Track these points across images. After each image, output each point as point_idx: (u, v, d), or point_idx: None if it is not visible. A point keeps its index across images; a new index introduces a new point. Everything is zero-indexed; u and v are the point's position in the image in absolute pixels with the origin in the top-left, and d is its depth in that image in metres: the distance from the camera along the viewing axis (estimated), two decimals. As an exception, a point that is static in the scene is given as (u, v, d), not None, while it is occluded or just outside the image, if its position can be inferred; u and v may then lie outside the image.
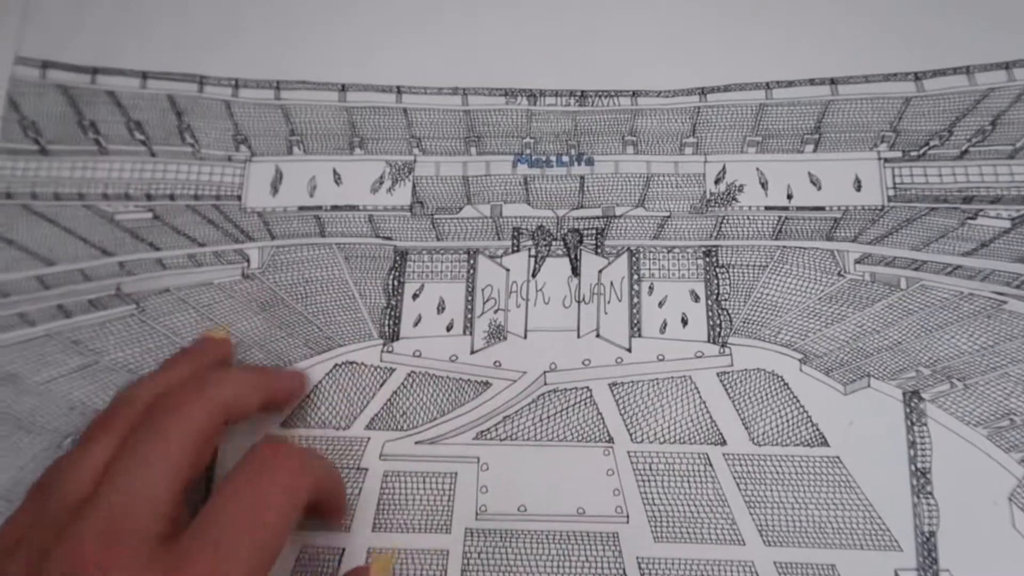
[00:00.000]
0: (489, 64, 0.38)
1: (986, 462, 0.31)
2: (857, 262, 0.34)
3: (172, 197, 0.37)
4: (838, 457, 0.32)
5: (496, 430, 0.33)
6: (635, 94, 0.37)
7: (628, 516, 0.31)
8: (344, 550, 0.32)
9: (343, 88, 0.38)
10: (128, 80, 0.38)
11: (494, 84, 0.37)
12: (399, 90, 0.38)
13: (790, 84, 0.36)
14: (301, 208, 0.37)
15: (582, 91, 0.37)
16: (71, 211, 0.37)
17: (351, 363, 0.34)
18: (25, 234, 0.37)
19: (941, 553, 0.30)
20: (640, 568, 0.31)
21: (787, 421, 0.33)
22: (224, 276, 0.36)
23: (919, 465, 0.31)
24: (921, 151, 0.35)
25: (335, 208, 0.36)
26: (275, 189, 0.37)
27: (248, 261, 0.36)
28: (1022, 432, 0.31)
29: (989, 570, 0.30)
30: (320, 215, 0.36)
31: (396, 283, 0.35)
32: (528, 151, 0.37)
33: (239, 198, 0.37)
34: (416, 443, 0.33)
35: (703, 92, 0.37)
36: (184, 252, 0.36)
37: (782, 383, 0.33)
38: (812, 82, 0.36)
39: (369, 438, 0.33)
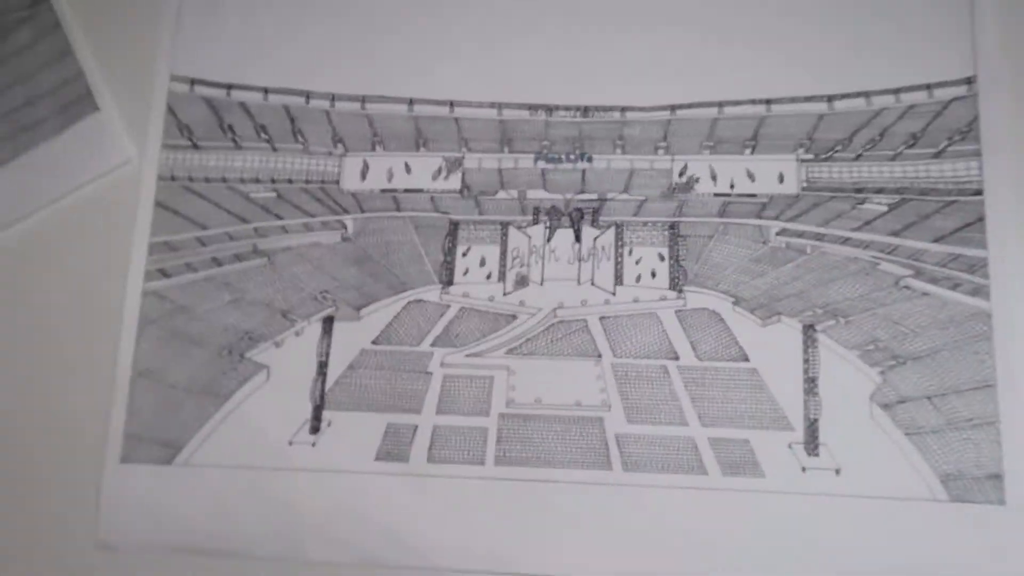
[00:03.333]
0: (518, 85, 0.51)
1: (855, 373, 0.45)
2: (777, 234, 0.48)
3: (290, 181, 0.51)
4: (755, 368, 0.46)
5: (521, 347, 0.48)
6: (623, 109, 0.50)
7: (610, 406, 0.46)
8: (417, 426, 0.47)
9: (411, 102, 0.52)
10: (254, 94, 0.52)
11: (521, 100, 0.51)
12: (452, 104, 0.52)
13: (736, 103, 0.50)
14: (383, 190, 0.51)
15: (585, 107, 0.51)
16: (217, 190, 0.51)
17: (420, 301, 0.49)
18: (185, 206, 0.51)
19: (821, 432, 0.45)
20: (617, 441, 0.45)
21: (722, 343, 0.47)
22: (329, 239, 0.51)
23: (809, 374, 0.46)
24: (828, 154, 0.49)
25: (407, 191, 0.51)
26: (363, 176, 0.51)
27: (346, 228, 0.51)
28: (882, 353, 0.45)
29: (852, 443, 0.44)
30: (396, 196, 0.51)
31: (450, 245, 0.50)
32: (545, 151, 0.51)
33: (338, 182, 0.51)
34: (466, 356, 0.48)
35: (673, 108, 0.50)
36: (300, 221, 0.51)
37: (719, 318, 0.47)
38: (753, 102, 0.50)
39: (433, 352, 0.48)
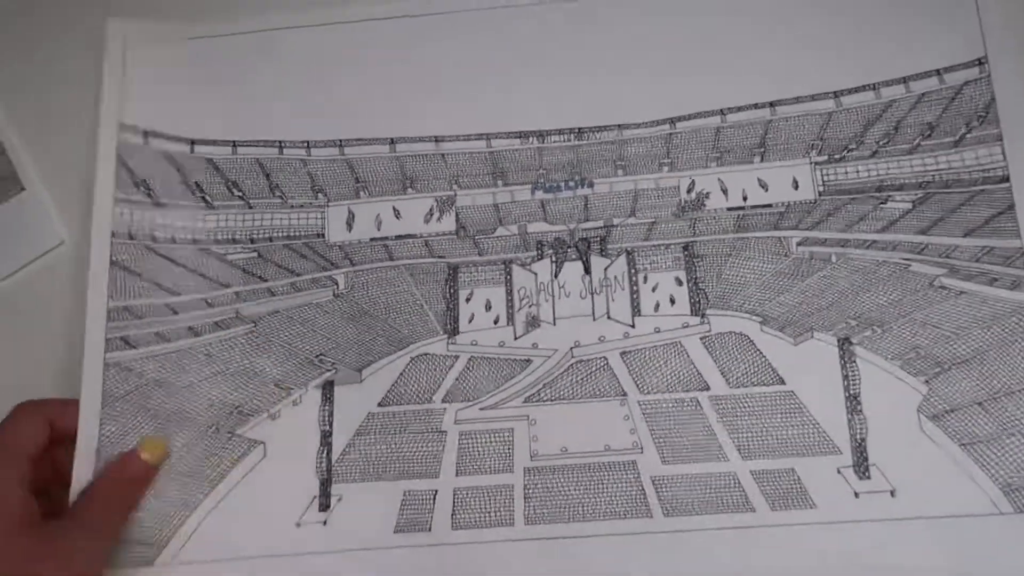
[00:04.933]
0: (506, 113, 0.48)
1: (900, 385, 0.42)
2: (799, 244, 0.45)
3: (271, 239, 0.48)
4: (792, 391, 0.43)
5: (539, 394, 0.44)
6: (620, 127, 0.47)
7: (642, 448, 0.43)
8: (437, 491, 0.43)
9: (392, 141, 0.48)
10: (221, 148, 0.49)
11: (511, 128, 0.48)
12: (436, 139, 0.48)
13: (739, 109, 0.47)
14: (372, 239, 0.47)
15: (580, 128, 0.48)
16: (189, 252, 0.47)
17: (425, 354, 0.46)
18: (150, 269, 0.46)
19: (870, 452, 0.42)
20: (654, 484, 0.42)
21: (753, 368, 0.44)
22: (320, 298, 0.47)
23: (851, 391, 0.43)
24: (842, 154, 0.46)
25: (399, 237, 0.47)
26: (349, 226, 0.48)
27: (337, 284, 0.47)
28: (925, 361, 0.43)
29: (904, 461, 0.41)
30: (388, 244, 0.47)
31: (452, 291, 0.47)
32: (542, 180, 0.47)
33: (323, 236, 0.48)
34: (480, 409, 0.44)
35: (672, 121, 0.47)
36: (287, 281, 0.47)
37: (748, 340, 0.44)
38: (756, 106, 0.47)
39: (445, 408, 0.45)
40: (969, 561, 0.39)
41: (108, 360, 0.44)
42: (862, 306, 0.44)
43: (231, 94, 0.49)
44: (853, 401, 0.42)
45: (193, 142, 0.49)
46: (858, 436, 0.42)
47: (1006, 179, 0.44)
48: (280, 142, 0.49)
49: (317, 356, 0.46)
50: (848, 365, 0.43)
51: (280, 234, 0.48)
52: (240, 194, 0.48)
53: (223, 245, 0.48)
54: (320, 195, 0.48)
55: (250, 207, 0.48)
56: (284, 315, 0.47)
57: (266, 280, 0.47)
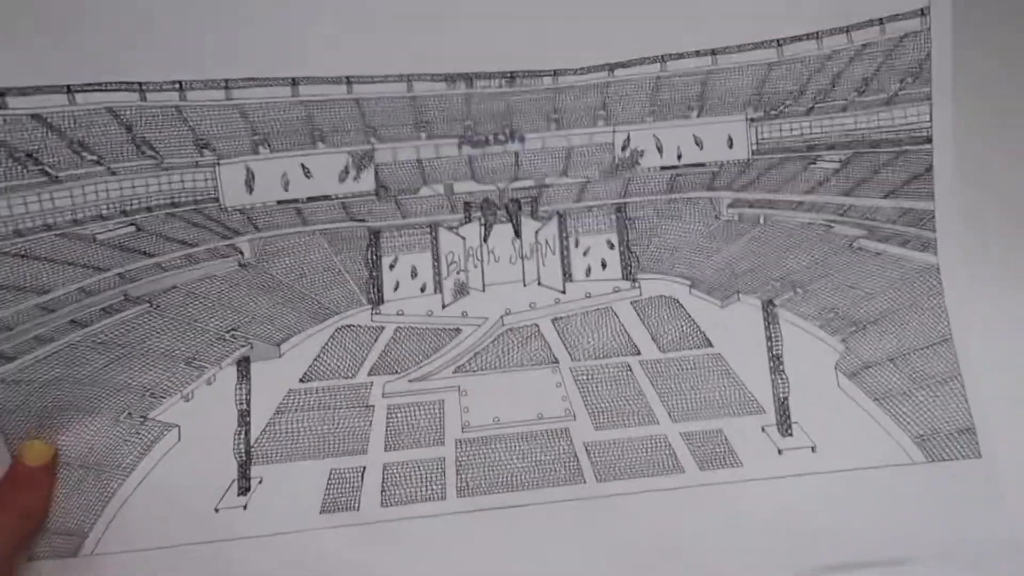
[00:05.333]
0: (429, 54, 0.42)
1: (819, 344, 0.44)
2: (729, 206, 0.45)
3: (148, 209, 0.41)
4: (719, 354, 0.44)
5: (469, 364, 0.43)
6: (556, 73, 0.43)
7: (575, 415, 0.43)
8: (365, 468, 0.42)
9: (294, 82, 0.42)
10: (51, 98, 0.38)
11: (434, 70, 0.43)
12: (349, 81, 0.42)
13: (680, 56, 0.44)
14: (280, 203, 0.43)
15: (511, 72, 0.43)
16: (45, 243, 0.39)
17: (349, 326, 0.43)
18: (5, 275, 0.38)
19: (792, 411, 0.43)
20: (587, 451, 0.42)
21: (683, 332, 0.44)
22: (223, 269, 0.42)
23: (774, 352, 0.44)
24: (779, 110, 0.45)
25: (310, 200, 0.43)
26: (250, 188, 0.42)
27: (242, 253, 0.42)
28: (842, 320, 0.44)
29: (824, 417, 0.43)
30: (299, 207, 0.43)
31: (374, 257, 0.43)
32: (470, 132, 0.43)
33: (216, 199, 0.42)
34: (409, 381, 0.43)
35: (611, 68, 0.44)
36: (179, 254, 0.42)
37: (678, 304, 0.44)
38: (697, 53, 0.44)
39: (372, 382, 0.42)
40: (888, 509, 0.42)
41: None
42: (785, 268, 0.44)
43: (56, 20, 0.38)
44: (776, 361, 0.44)
45: (3, 93, 0.38)
46: (781, 395, 0.44)
47: (929, 140, 0.44)
48: (141, 84, 0.39)
49: (228, 331, 0.42)
50: (771, 327, 0.44)
51: (161, 201, 0.41)
52: (94, 158, 0.40)
53: (87, 225, 0.40)
54: (206, 151, 0.42)
55: (112, 173, 0.40)
56: (183, 290, 0.42)
57: (153, 255, 0.42)
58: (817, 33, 0.44)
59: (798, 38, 0.44)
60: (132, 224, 0.41)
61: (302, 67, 0.41)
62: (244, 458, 0.41)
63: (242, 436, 0.41)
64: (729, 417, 0.43)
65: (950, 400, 0.43)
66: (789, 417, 0.43)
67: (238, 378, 0.42)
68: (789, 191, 0.45)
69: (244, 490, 0.41)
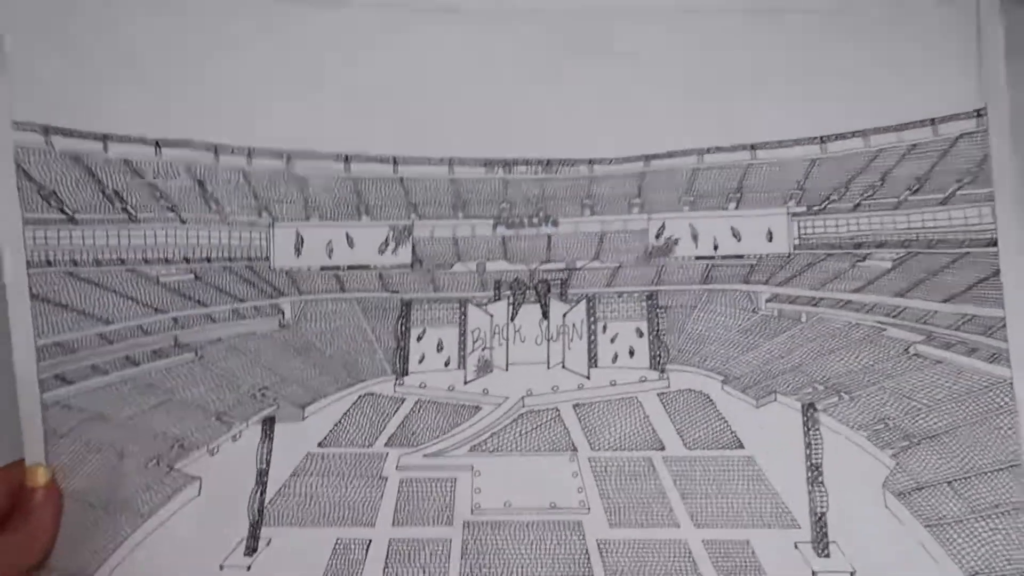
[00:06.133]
0: (472, 138, 0.45)
1: (865, 457, 0.40)
2: (768, 301, 0.43)
3: (208, 259, 0.45)
4: (751, 456, 0.41)
5: (486, 443, 0.42)
6: (591, 162, 0.45)
7: (589, 508, 0.41)
8: (371, 541, 0.41)
9: (347, 159, 0.45)
10: (141, 148, 0.43)
11: (476, 155, 0.45)
12: (396, 161, 0.45)
13: (718, 150, 0.44)
14: (323, 268, 0.45)
15: (548, 160, 0.45)
16: (117, 275, 0.43)
17: (372, 394, 0.43)
18: (75, 297, 0.43)
19: (830, 528, 0.39)
20: (599, 548, 0.40)
21: (712, 429, 0.42)
22: (265, 327, 0.45)
23: (813, 460, 0.40)
24: (822, 205, 0.43)
25: (351, 268, 0.45)
26: (298, 251, 0.45)
27: (283, 313, 0.45)
28: (894, 433, 0.40)
29: (866, 539, 0.39)
30: (339, 274, 0.45)
31: (404, 328, 0.44)
32: (505, 214, 0.45)
33: (268, 259, 0.45)
34: (424, 456, 0.42)
35: (647, 159, 0.44)
36: (228, 307, 0.45)
37: (708, 400, 0.42)
38: (736, 148, 0.44)
39: (387, 453, 0.42)
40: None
41: (46, 400, 0.42)
42: (830, 370, 0.42)
43: (152, 81, 0.43)
44: (815, 471, 0.40)
45: (106, 138, 0.43)
46: (818, 510, 0.40)
47: (994, 243, 0.41)
48: (216, 145, 0.44)
49: (260, 389, 0.44)
50: (811, 433, 0.41)
51: (220, 254, 0.45)
52: (169, 206, 0.44)
53: (155, 266, 0.44)
54: (264, 213, 0.45)
55: (182, 221, 0.45)
56: (227, 343, 0.45)
57: (206, 305, 0.45)
58: (864, 131, 0.43)
59: (843, 135, 0.43)
60: (191, 272, 0.44)
61: (355, 144, 0.45)
62: (256, 517, 0.42)
63: (257, 495, 0.42)
64: (758, 528, 0.40)
65: (1013, 534, 0.38)
66: (827, 535, 0.39)
67: (262, 437, 0.43)
68: (835, 288, 0.42)
69: (251, 550, 0.41)
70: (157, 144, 0.43)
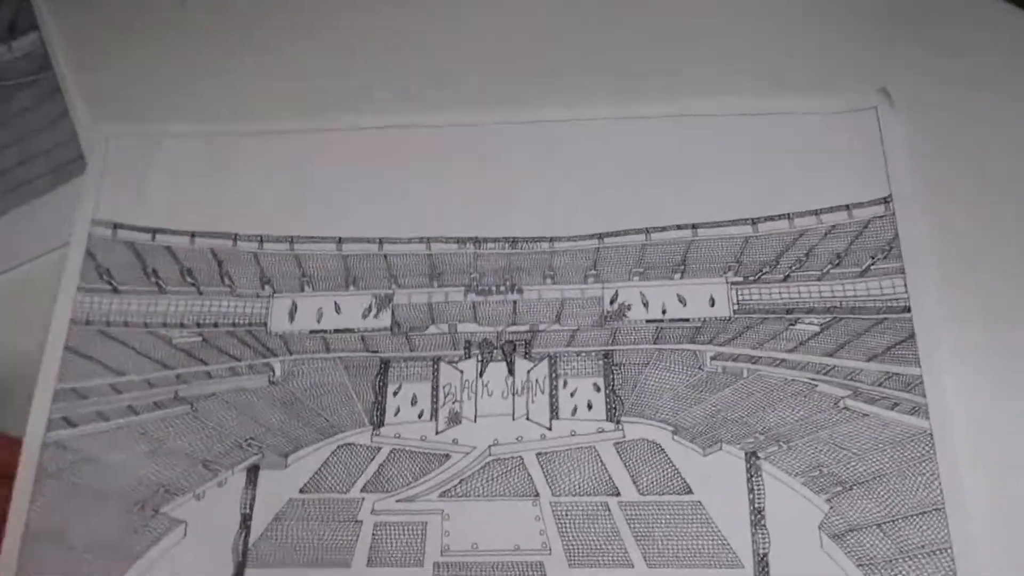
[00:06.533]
0: (446, 219, 0.51)
1: (802, 501, 0.44)
2: (712, 359, 0.48)
3: (216, 325, 0.50)
4: (699, 501, 0.44)
5: (455, 489, 0.46)
6: (552, 240, 0.51)
7: (550, 549, 0.44)
8: (347, 582, 0.44)
9: (339, 241, 0.52)
10: (180, 238, 0.52)
11: (449, 234, 0.51)
12: (381, 241, 0.52)
13: (663, 229, 0.50)
14: (312, 331, 0.50)
15: (514, 238, 0.51)
16: (138, 335, 0.50)
17: (350, 444, 0.47)
18: (100, 352, 0.49)
19: (772, 568, 0.42)
20: (559, 587, 0.43)
21: (663, 476, 0.45)
22: (255, 383, 0.49)
23: (756, 505, 0.44)
24: (757, 276, 0.49)
25: (337, 331, 0.50)
26: (292, 317, 0.50)
27: (273, 371, 0.49)
28: (828, 479, 0.44)
29: (805, 580, 0.42)
30: (326, 336, 0.50)
31: (381, 384, 0.49)
32: (475, 283, 0.50)
33: (265, 325, 0.50)
34: (397, 501, 0.45)
35: (601, 236, 0.50)
36: (226, 365, 0.49)
37: (660, 448, 0.46)
38: (679, 227, 0.50)
39: (363, 498, 0.46)
40: None
41: (48, 440, 0.46)
42: (770, 421, 0.46)
43: (193, 190, 0.53)
44: (758, 515, 0.44)
45: (155, 231, 0.52)
46: (760, 551, 0.43)
47: (907, 309, 0.47)
48: (235, 235, 0.52)
49: (247, 440, 0.47)
50: (754, 479, 0.44)
51: (226, 321, 0.50)
52: (192, 281, 0.51)
53: (171, 329, 0.50)
54: (267, 286, 0.51)
55: (200, 293, 0.51)
56: (220, 398, 0.49)
57: (207, 363, 0.49)
58: (789, 215, 0.50)
59: (771, 218, 0.50)
60: (200, 335, 0.50)
61: (346, 229, 0.52)
62: (241, 559, 0.44)
63: (242, 538, 0.45)
64: (706, 568, 0.43)
65: (937, 573, 0.41)
66: (769, 574, 0.42)
67: (246, 483, 0.46)
68: (772, 348, 0.47)
69: (235, 591, 0.44)
70: (192, 235, 0.52)
